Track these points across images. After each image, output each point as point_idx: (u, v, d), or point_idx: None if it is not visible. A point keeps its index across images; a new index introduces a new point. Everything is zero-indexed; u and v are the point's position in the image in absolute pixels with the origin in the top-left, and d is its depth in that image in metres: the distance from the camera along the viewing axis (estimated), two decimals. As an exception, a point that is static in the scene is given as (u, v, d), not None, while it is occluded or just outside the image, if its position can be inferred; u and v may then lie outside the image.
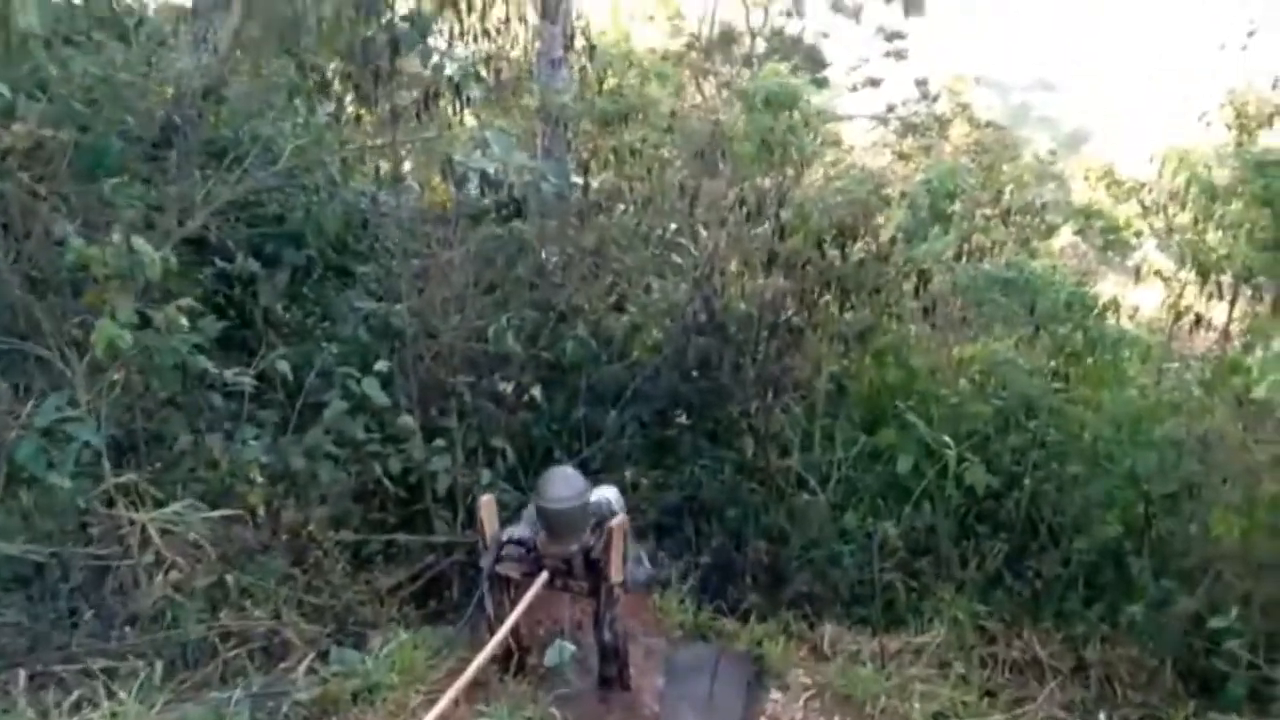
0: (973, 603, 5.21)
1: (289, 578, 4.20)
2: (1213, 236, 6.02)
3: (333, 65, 5.53)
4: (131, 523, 3.60)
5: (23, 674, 3.30)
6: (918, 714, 4.31)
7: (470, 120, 6.83)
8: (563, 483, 3.96)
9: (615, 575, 3.94)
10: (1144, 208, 8.02)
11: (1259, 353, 4.97)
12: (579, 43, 7.34)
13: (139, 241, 3.69)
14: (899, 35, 17.83)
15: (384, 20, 5.19)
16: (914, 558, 5.46)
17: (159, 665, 3.53)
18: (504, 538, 4.00)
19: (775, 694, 4.43)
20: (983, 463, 5.50)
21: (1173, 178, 6.51)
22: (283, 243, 5.58)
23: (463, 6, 6.34)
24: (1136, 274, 7.72)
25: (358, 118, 5.87)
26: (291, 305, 5.55)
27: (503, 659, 4.04)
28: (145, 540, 3.60)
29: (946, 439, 5.54)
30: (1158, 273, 7.46)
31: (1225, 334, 6.64)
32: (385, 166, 5.89)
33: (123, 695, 3.32)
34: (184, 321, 3.83)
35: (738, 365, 6.02)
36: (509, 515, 4.25)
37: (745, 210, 6.27)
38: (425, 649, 4.08)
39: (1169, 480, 5.19)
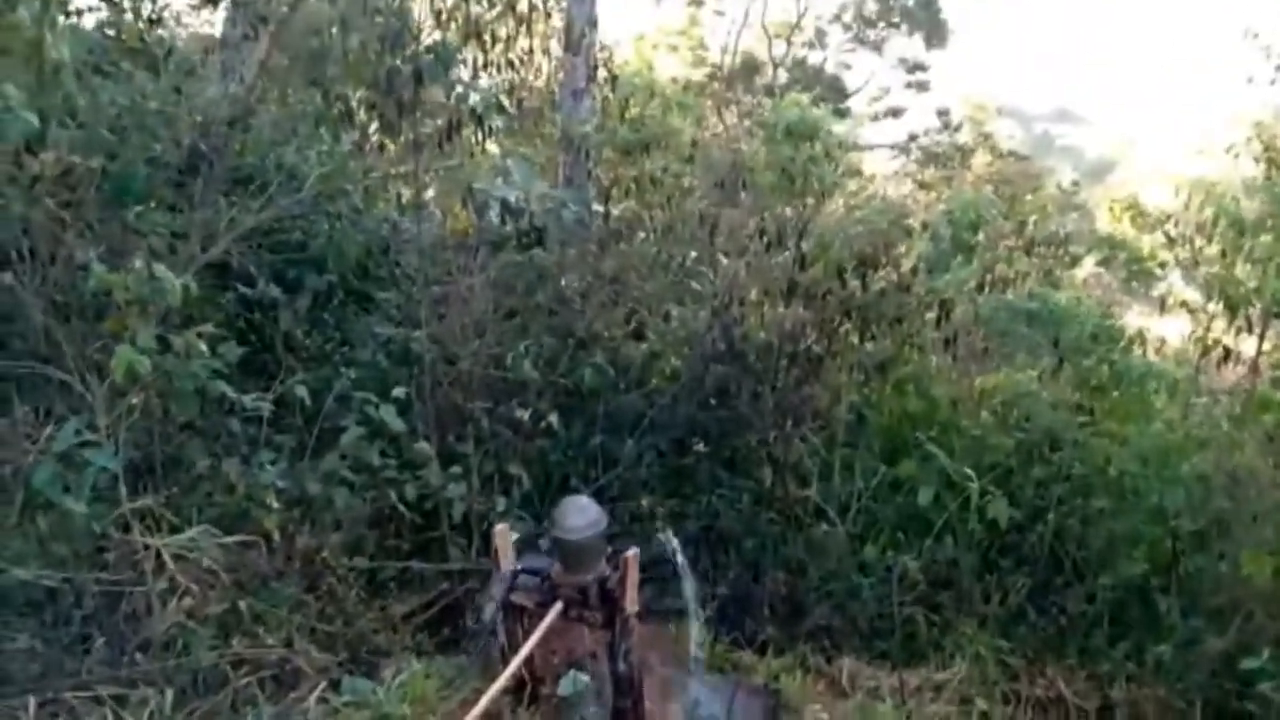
0: (995, 638, 5.11)
1: (302, 604, 4.17)
2: (1241, 270, 5.92)
3: (358, 94, 5.61)
4: (146, 548, 3.60)
5: (33, 701, 3.27)
6: (939, 752, 4.22)
7: (493, 148, 6.90)
8: (578, 513, 3.93)
9: (630, 606, 3.89)
10: (1169, 239, 7.93)
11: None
12: (601, 74, 7.40)
13: (161, 268, 3.72)
14: (921, 67, 17.90)
15: (409, 52, 5.26)
16: (935, 591, 5.36)
17: (169, 693, 3.50)
18: (519, 567, 3.97)
19: (793, 730, 4.35)
20: (1005, 496, 5.41)
21: (1200, 210, 6.45)
22: (304, 268, 5.64)
23: (487, 38, 6.42)
24: (1162, 305, 7.62)
25: (381, 146, 5.94)
26: (312, 330, 5.57)
27: (516, 689, 3.99)
28: (160, 566, 3.59)
29: (968, 471, 5.46)
30: (1183, 304, 7.37)
31: (1255, 368, 6.52)
32: (407, 194, 5.95)
33: (133, 723, 3.31)
34: (204, 347, 3.86)
35: (756, 394, 5.98)
36: (524, 543, 4.22)
37: (765, 240, 6.27)
38: (438, 679, 4.04)
39: (1197, 517, 5.08)
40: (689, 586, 4.20)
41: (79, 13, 5.46)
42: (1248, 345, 6.60)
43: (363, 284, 6.03)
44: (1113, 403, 5.78)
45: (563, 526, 3.88)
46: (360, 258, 5.98)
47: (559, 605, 3.89)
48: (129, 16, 5.56)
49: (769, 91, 15.73)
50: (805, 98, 6.69)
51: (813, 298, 6.02)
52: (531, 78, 7.44)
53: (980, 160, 14.87)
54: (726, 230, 6.51)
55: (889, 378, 6.18)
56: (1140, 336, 5.96)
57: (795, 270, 6.06)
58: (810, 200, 6.28)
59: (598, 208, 6.90)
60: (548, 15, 7.10)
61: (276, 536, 4.15)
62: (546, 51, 7.57)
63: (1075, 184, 15.46)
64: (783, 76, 16.65)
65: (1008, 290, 6.59)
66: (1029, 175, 14.03)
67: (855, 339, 6.08)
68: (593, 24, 7.68)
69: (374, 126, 5.83)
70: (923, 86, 18.10)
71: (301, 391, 4.57)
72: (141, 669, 3.56)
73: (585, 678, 4.03)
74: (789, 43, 17.45)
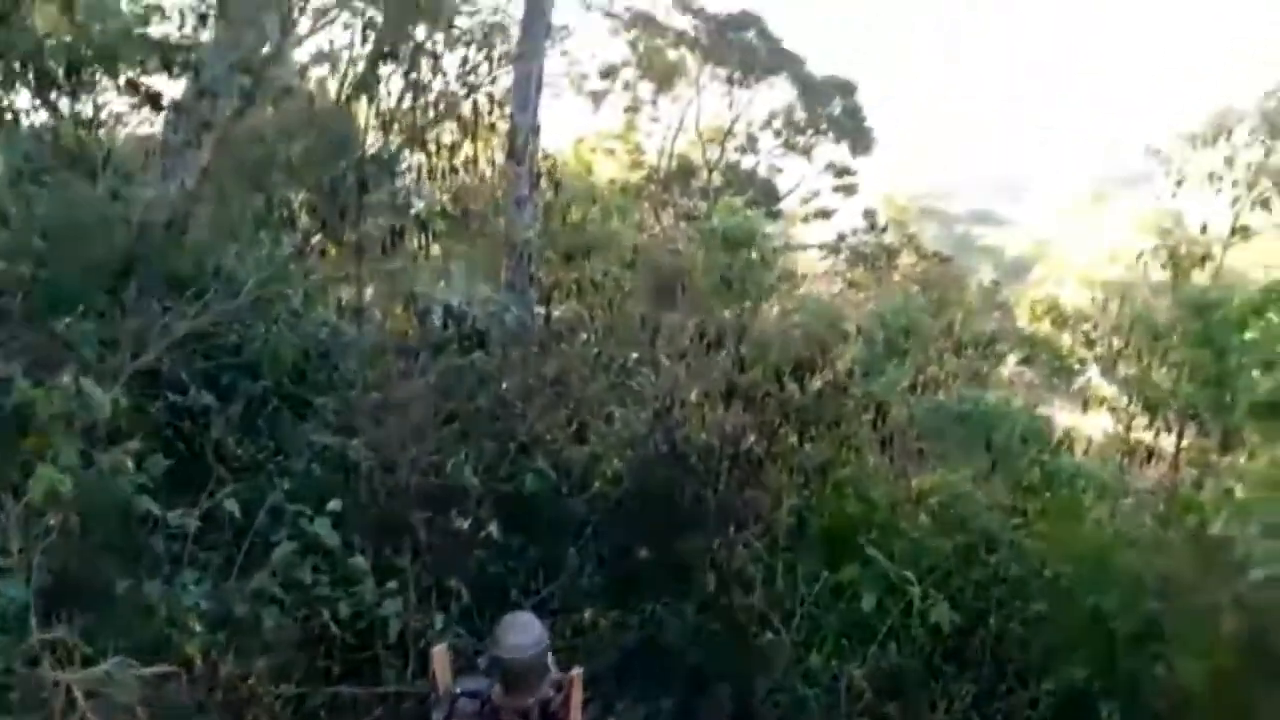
0: (944, 748, 5.05)
1: (225, 738, 3.93)
2: (1157, 374, 6.23)
3: (300, 198, 5.62)
4: (56, 684, 3.36)
5: None
6: None
7: (436, 251, 6.93)
8: (520, 630, 3.79)
9: (574, 730, 3.74)
10: (1089, 340, 8.35)
11: (1208, 489, 5.09)
12: (543, 182, 7.56)
13: (88, 382, 3.59)
14: (848, 171, 18.77)
15: (354, 158, 5.32)
16: (881, 701, 5.30)
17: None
18: (457, 690, 3.81)
19: None
20: (946, 599, 5.44)
21: (1116, 313, 6.83)
22: (239, 374, 5.49)
23: (431, 146, 6.53)
24: (1084, 404, 7.95)
25: (323, 251, 5.92)
26: (244, 439, 5.39)
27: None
28: (70, 703, 3.34)
29: (909, 575, 5.48)
30: (1103, 401, 7.70)
31: (1175, 465, 6.80)
32: (348, 296, 5.90)
33: None
34: (129, 464, 3.70)
35: (699, 497, 5.96)
36: (464, 662, 4.06)
37: (705, 342, 6.38)
38: (370, 814, 3.80)
39: (1131, 619, 5.16)
40: None
41: (15, 116, 5.39)
42: (1167, 443, 6.91)
43: (299, 389, 5.88)
44: (1045, 503, 5.92)
45: (504, 645, 3.74)
46: (297, 362, 5.85)
47: (500, 731, 3.72)
48: (66, 121, 5.51)
49: (704, 194, 16.26)
50: (739, 201, 6.94)
51: (752, 400, 6.11)
52: (475, 183, 7.55)
53: (906, 260, 15.51)
54: (667, 333, 6.61)
55: (828, 479, 6.23)
56: (1068, 437, 6.18)
57: (735, 372, 6.16)
58: (748, 304, 6.44)
59: (539, 310, 6.94)
60: (491, 126, 7.26)
61: (199, 663, 3.92)
62: (491, 160, 7.71)
63: (996, 283, 16.19)
64: (717, 179, 17.26)
65: (939, 391, 6.79)
66: (952, 275, 14.67)
67: (795, 440, 6.15)
68: (535, 131, 7.88)
69: (316, 230, 5.82)
70: (850, 190, 18.96)
71: (231, 505, 4.39)
72: (44, 820, 3.27)
73: (528, 808, 3.82)
74: (722, 147, 18.17)
